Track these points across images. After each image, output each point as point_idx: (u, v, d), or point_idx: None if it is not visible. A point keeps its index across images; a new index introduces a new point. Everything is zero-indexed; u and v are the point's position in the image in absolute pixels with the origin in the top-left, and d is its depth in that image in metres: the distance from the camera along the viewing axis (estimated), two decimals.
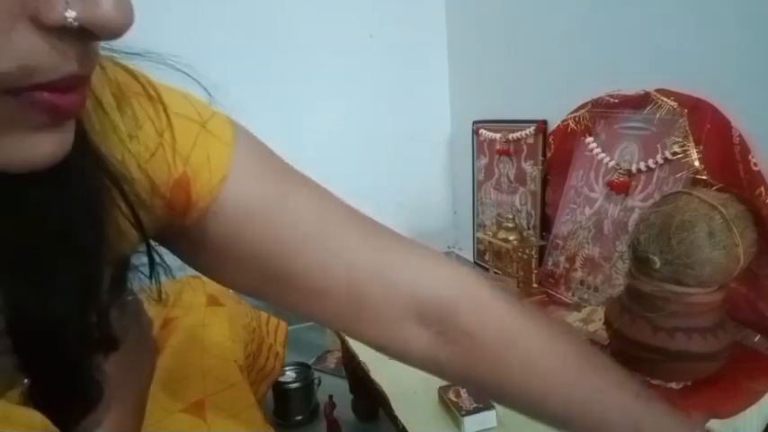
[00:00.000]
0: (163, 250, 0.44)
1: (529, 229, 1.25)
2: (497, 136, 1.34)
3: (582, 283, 1.04)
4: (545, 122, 1.19)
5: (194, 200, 0.40)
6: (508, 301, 0.46)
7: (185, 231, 0.41)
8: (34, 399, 0.37)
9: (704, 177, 0.79)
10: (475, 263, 1.54)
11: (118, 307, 0.43)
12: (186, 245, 0.43)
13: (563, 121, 1.10)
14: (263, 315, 0.92)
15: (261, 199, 0.42)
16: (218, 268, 0.44)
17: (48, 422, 0.36)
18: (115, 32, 0.26)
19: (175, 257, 0.45)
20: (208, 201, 0.40)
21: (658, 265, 0.71)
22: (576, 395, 0.45)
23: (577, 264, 1.05)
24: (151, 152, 0.39)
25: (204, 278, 0.78)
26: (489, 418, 0.68)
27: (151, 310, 0.70)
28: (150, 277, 0.42)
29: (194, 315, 0.70)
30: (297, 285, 0.43)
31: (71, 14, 0.24)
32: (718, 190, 0.75)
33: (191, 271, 0.81)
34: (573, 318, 0.94)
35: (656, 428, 0.44)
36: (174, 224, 0.41)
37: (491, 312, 0.45)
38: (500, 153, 1.34)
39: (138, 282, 0.45)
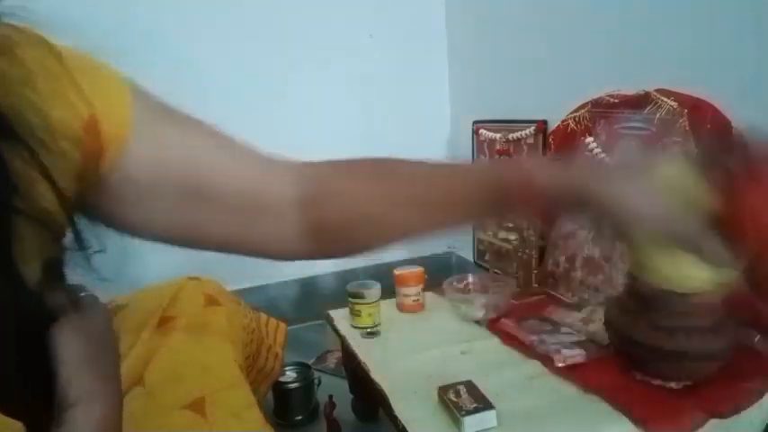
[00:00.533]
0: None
1: (529, 229, 1.25)
2: (497, 136, 1.34)
3: (582, 283, 1.03)
4: (545, 122, 1.19)
5: (105, 141, 0.43)
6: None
7: (101, 182, 0.45)
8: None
9: None
10: (475, 263, 1.54)
11: (74, 305, 0.44)
12: (105, 197, 0.46)
13: (563, 121, 1.10)
14: (263, 316, 0.92)
15: (165, 136, 0.48)
16: (134, 212, 0.48)
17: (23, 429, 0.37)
18: None
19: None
20: (120, 141, 0.44)
21: None
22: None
23: (577, 264, 1.05)
24: (51, 99, 0.41)
25: (202, 278, 0.78)
26: (489, 417, 0.68)
27: (148, 309, 0.70)
28: (77, 239, 0.44)
29: (192, 315, 0.70)
30: (205, 202, 0.50)
31: None
32: None
33: (187, 272, 0.81)
34: (573, 318, 0.94)
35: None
36: (90, 172, 0.44)
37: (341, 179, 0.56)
38: (500, 153, 1.34)
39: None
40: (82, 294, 0.46)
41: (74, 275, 0.46)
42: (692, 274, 0.58)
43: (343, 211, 0.54)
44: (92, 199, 0.46)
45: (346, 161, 0.57)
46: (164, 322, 0.68)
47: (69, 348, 0.42)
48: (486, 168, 0.55)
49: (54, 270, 0.43)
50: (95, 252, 0.46)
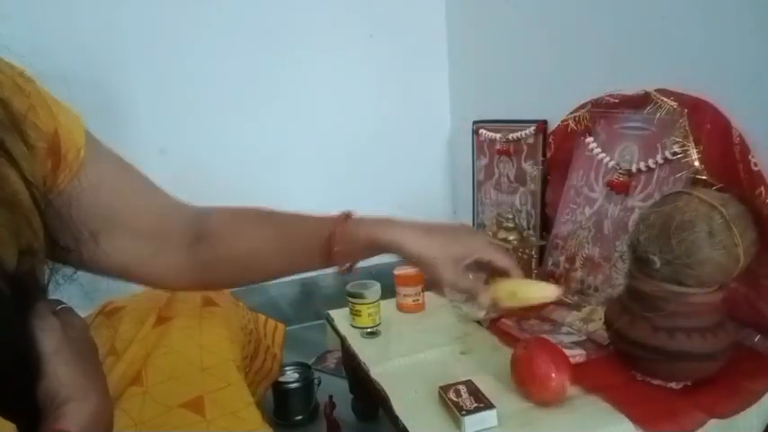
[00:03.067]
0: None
1: (529, 229, 1.25)
2: (497, 136, 1.34)
3: (582, 283, 1.03)
4: (545, 122, 1.19)
5: (63, 157, 0.50)
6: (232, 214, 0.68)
7: (56, 197, 0.50)
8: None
9: (704, 177, 0.79)
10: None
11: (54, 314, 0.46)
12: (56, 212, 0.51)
13: (563, 121, 1.10)
14: (261, 317, 0.92)
15: (105, 170, 0.57)
16: (74, 233, 0.53)
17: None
18: None
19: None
20: (73, 162, 0.52)
21: (658, 265, 0.71)
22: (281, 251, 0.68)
23: (577, 264, 1.05)
24: (22, 104, 0.46)
25: None
26: (489, 417, 0.68)
27: (145, 310, 0.70)
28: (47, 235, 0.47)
29: (190, 316, 0.70)
30: (123, 232, 0.58)
31: None
32: (718, 190, 0.75)
33: None
34: (573, 318, 0.94)
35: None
36: (51, 181, 0.50)
37: (226, 223, 0.67)
38: (500, 153, 1.34)
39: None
40: (59, 307, 0.47)
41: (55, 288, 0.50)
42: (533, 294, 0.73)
43: (227, 249, 0.64)
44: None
45: (233, 208, 0.69)
46: (160, 322, 0.68)
47: (54, 347, 0.43)
48: (318, 224, 0.67)
49: (30, 261, 0.44)
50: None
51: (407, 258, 0.68)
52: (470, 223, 1.54)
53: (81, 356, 0.45)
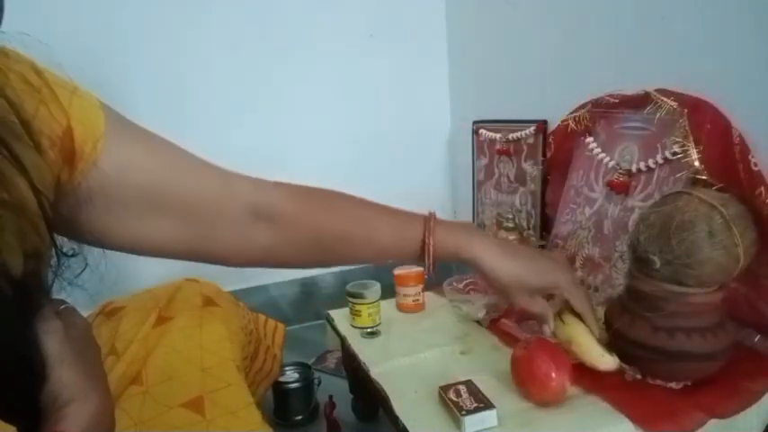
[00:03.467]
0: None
1: (529, 229, 1.25)
2: (497, 136, 1.34)
3: (582, 283, 1.03)
4: (545, 122, 1.19)
5: (78, 150, 0.48)
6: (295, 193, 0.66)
7: (75, 190, 0.50)
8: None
9: (704, 177, 0.79)
10: None
11: (56, 314, 0.46)
12: (78, 205, 0.50)
13: (563, 121, 1.10)
14: (261, 317, 0.92)
15: (133, 153, 0.54)
16: (105, 222, 0.53)
17: None
18: None
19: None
20: (91, 153, 0.50)
21: (658, 265, 0.71)
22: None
23: (577, 264, 1.05)
24: (32, 103, 0.46)
25: (200, 280, 0.79)
26: (490, 417, 0.68)
27: (145, 310, 0.70)
28: (51, 235, 0.47)
29: (190, 316, 0.70)
30: (170, 214, 0.56)
31: None
32: (718, 190, 0.75)
33: (187, 274, 0.81)
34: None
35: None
36: (66, 176, 0.49)
37: (293, 202, 0.64)
38: (500, 153, 1.34)
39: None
40: (62, 307, 0.48)
41: (58, 287, 0.49)
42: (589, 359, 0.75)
43: (295, 232, 0.64)
44: (67, 209, 0.49)
45: (302, 188, 0.66)
46: (160, 322, 0.68)
47: (57, 349, 0.43)
48: (408, 224, 0.70)
49: (35, 266, 0.44)
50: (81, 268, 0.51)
51: (484, 276, 0.71)
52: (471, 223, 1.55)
53: (82, 357, 0.45)
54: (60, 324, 0.45)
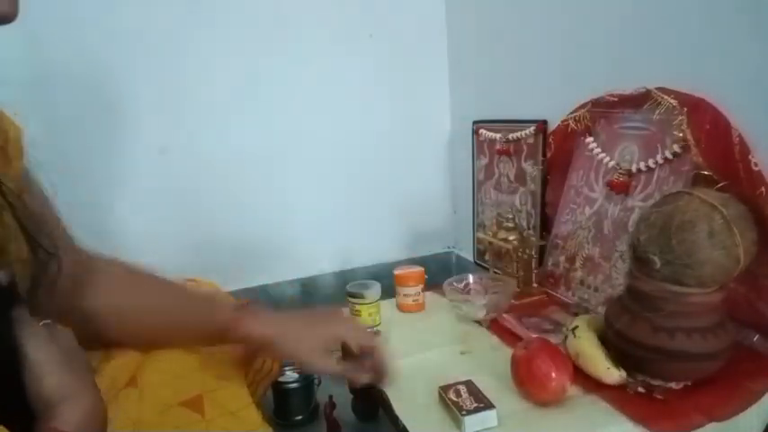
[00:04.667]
0: None
1: (529, 229, 1.25)
2: (497, 136, 1.34)
3: (582, 283, 1.03)
4: (545, 122, 1.19)
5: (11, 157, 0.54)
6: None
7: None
8: None
9: (705, 174, 0.79)
10: (475, 263, 1.54)
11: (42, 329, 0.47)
12: None
13: (563, 121, 1.10)
14: None
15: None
16: None
17: None
18: None
19: None
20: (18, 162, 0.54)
21: (658, 265, 0.71)
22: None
23: (577, 264, 1.05)
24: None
25: (199, 280, 0.79)
26: (490, 417, 0.68)
27: None
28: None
29: None
30: None
31: None
32: (718, 189, 0.75)
33: (190, 274, 0.81)
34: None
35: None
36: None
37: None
38: (500, 153, 1.34)
39: None
40: (42, 323, 0.48)
41: None
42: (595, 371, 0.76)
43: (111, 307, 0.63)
44: None
45: (124, 266, 0.67)
46: None
47: (45, 351, 0.44)
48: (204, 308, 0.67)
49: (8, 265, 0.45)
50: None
51: (269, 349, 0.67)
52: (470, 223, 1.55)
53: (70, 359, 0.45)
54: (44, 330, 0.45)
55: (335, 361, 0.66)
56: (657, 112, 0.87)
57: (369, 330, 0.70)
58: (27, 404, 0.42)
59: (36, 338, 0.44)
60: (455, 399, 0.71)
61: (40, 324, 0.48)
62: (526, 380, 0.73)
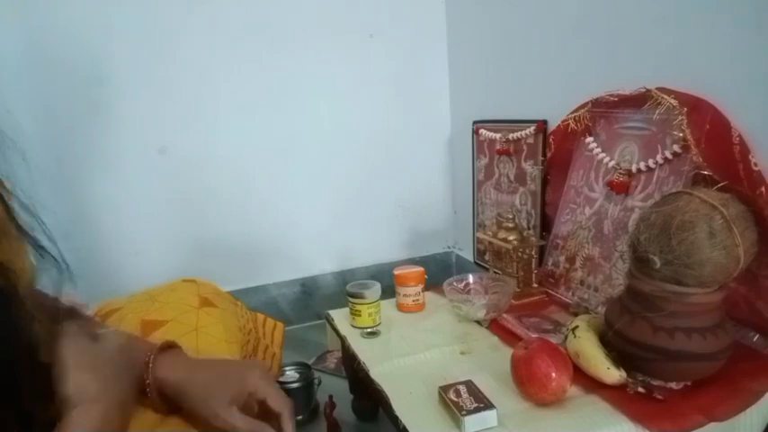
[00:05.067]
0: None
1: (529, 229, 1.25)
2: (497, 136, 1.34)
3: (582, 283, 1.03)
4: (545, 122, 1.19)
5: None
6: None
7: None
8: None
9: (707, 173, 0.79)
10: (475, 263, 1.54)
11: (69, 313, 0.49)
12: None
13: (563, 121, 1.10)
14: (260, 317, 0.92)
15: None
16: None
17: None
18: None
19: None
20: None
21: (658, 265, 0.71)
22: None
23: (577, 264, 1.05)
24: None
25: (198, 280, 0.78)
26: (490, 417, 0.68)
27: (140, 311, 0.70)
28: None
29: (187, 317, 0.70)
30: None
31: None
32: (718, 190, 0.75)
33: (189, 275, 0.80)
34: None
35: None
36: None
37: None
38: (500, 153, 1.34)
39: None
40: (102, 330, 0.50)
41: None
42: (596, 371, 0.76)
43: None
44: None
45: None
46: (157, 326, 0.68)
47: (73, 356, 0.44)
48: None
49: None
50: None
51: (176, 396, 0.60)
52: (470, 223, 1.55)
53: (102, 365, 0.47)
54: (82, 338, 0.47)
55: (240, 417, 0.59)
56: (657, 112, 0.87)
57: (281, 394, 0.62)
58: (27, 404, 0.43)
59: (67, 346, 0.45)
60: (455, 399, 0.71)
61: (83, 323, 0.49)
62: (526, 380, 0.73)
